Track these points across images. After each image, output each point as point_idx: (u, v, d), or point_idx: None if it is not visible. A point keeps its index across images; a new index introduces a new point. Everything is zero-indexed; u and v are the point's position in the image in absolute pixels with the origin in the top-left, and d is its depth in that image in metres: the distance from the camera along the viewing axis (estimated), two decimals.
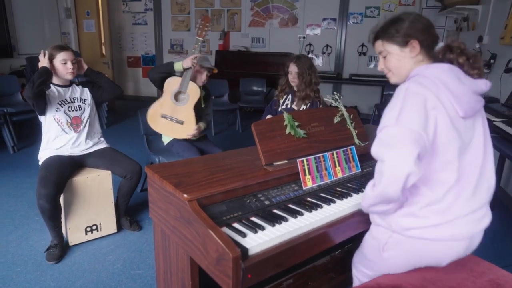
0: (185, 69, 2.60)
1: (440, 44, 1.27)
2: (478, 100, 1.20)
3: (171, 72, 2.64)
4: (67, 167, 2.30)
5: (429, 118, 1.11)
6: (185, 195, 1.20)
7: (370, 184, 1.20)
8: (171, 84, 2.66)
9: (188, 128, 2.66)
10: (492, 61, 3.76)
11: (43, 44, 5.95)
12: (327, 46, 6.69)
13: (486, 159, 1.24)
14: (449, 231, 1.16)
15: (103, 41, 7.15)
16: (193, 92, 2.65)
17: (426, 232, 1.17)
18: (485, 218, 1.23)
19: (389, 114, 1.14)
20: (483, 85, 1.21)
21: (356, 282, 1.51)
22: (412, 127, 1.07)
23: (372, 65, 6.55)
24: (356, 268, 1.51)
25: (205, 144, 2.90)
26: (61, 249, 2.28)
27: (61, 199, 2.31)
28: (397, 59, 1.27)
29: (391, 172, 1.07)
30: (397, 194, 1.08)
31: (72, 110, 2.40)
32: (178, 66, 2.59)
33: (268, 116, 2.67)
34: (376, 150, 1.13)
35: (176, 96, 2.67)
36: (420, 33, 1.22)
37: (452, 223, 1.16)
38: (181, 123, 2.66)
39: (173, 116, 2.67)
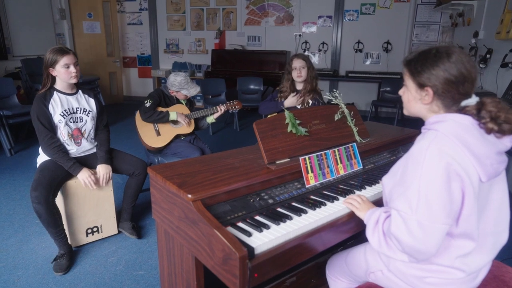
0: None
1: (471, 101, 1.06)
2: (502, 161, 1.04)
3: (167, 120, 2.89)
4: (63, 170, 2.25)
5: (454, 201, 0.99)
6: (189, 195, 1.19)
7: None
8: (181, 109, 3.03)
9: (159, 142, 2.90)
10: (488, 56, 3.79)
11: (38, 46, 5.92)
12: (323, 43, 6.70)
13: (501, 223, 1.12)
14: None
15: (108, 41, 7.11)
16: (186, 128, 3.00)
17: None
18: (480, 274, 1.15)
19: (407, 193, 1.00)
20: (509, 142, 1.05)
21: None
22: (440, 223, 0.97)
23: (368, 62, 6.56)
24: (333, 275, 1.51)
25: (196, 141, 3.08)
26: (68, 258, 2.21)
27: (61, 203, 2.30)
28: (410, 98, 1.15)
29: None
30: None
31: (74, 122, 2.32)
32: (173, 116, 2.86)
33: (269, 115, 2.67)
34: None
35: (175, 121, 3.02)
36: (444, 83, 1.04)
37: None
38: (158, 134, 2.92)
39: (157, 126, 2.93)
